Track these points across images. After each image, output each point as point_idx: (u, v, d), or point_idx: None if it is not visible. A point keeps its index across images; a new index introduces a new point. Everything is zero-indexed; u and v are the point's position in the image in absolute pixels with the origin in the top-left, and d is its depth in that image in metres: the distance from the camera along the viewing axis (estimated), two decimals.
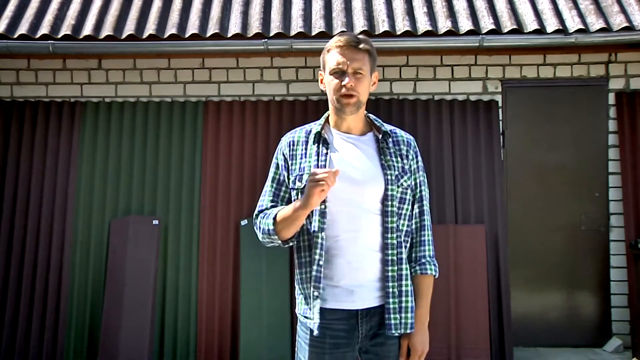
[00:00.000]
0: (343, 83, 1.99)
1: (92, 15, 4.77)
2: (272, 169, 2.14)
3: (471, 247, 4.67)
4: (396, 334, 2.01)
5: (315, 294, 1.98)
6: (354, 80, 1.99)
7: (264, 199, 2.12)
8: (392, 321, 2.00)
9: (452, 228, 4.71)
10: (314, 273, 1.99)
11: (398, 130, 2.16)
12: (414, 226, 2.11)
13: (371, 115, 2.16)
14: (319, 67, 2.13)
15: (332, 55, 2.03)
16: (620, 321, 4.98)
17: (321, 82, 2.12)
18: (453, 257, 4.64)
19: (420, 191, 2.13)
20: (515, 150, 5.10)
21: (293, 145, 2.11)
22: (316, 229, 1.99)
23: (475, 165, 4.89)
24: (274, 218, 2.01)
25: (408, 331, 2.04)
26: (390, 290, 2.01)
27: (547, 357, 4.80)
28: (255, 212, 2.13)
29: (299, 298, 2.09)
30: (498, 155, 4.91)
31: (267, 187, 2.13)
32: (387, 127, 2.13)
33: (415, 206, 2.11)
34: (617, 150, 5.04)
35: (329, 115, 2.14)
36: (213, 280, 4.72)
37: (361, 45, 2.01)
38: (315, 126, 2.13)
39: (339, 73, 2.01)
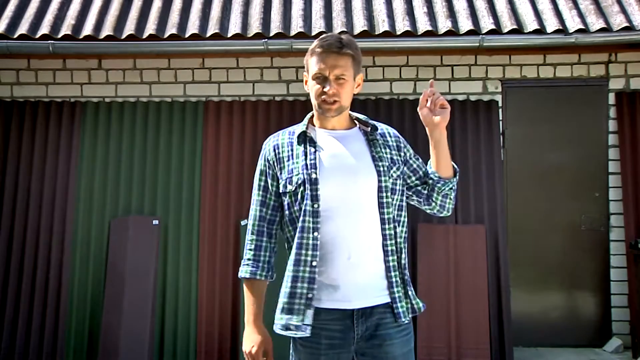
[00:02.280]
0: (325, 90, 1.99)
1: (92, 15, 4.77)
2: (256, 176, 2.11)
3: (471, 247, 4.67)
4: (406, 321, 2.03)
5: (309, 295, 1.96)
6: (336, 87, 1.99)
7: (254, 210, 2.09)
8: (401, 309, 2.01)
9: (452, 228, 4.71)
10: (306, 274, 1.97)
11: (379, 124, 2.17)
12: (422, 173, 2.15)
13: (353, 114, 2.16)
14: None
15: (313, 60, 2.02)
16: (620, 321, 4.98)
17: (306, 84, 2.12)
18: (453, 257, 4.64)
19: (425, 168, 2.16)
20: (515, 150, 5.10)
21: (278, 149, 2.08)
22: (310, 229, 1.97)
23: (475, 165, 4.89)
24: (244, 279, 2.10)
25: (415, 314, 2.07)
26: (394, 279, 2.01)
27: (547, 357, 4.80)
28: (250, 225, 2.10)
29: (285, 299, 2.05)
30: (498, 155, 4.91)
31: (255, 196, 2.10)
32: (372, 121, 2.15)
33: (421, 171, 2.15)
34: (617, 150, 5.04)
35: (312, 114, 2.15)
36: (213, 280, 4.72)
37: (344, 50, 1.99)
38: (298, 127, 2.12)
39: (321, 79, 2.01)
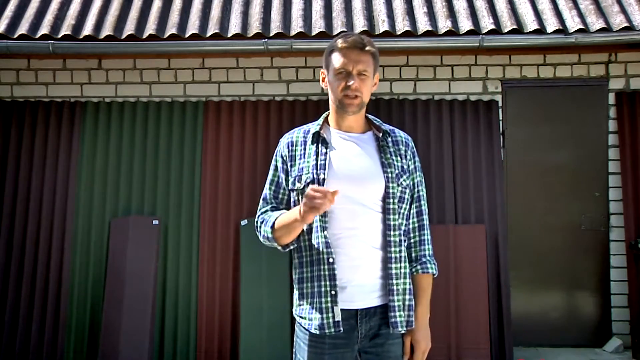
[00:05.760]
0: (348, 84, 2.01)
1: (92, 15, 4.77)
2: (270, 171, 2.16)
3: (471, 247, 4.67)
4: (402, 332, 2.04)
5: (333, 292, 1.98)
6: (358, 82, 2.02)
7: (264, 203, 2.15)
8: (398, 319, 2.02)
9: (452, 228, 4.71)
10: (325, 272, 1.98)
11: (397, 130, 2.18)
12: (411, 226, 2.13)
13: (369, 116, 2.18)
14: (319, 67, 2.15)
15: (337, 56, 2.04)
16: (620, 321, 4.99)
17: (323, 81, 2.14)
18: (453, 257, 4.64)
19: (418, 191, 2.15)
20: (515, 150, 5.10)
21: (292, 146, 2.12)
22: (319, 228, 2.00)
23: (475, 166, 4.89)
24: (273, 226, 2.03)
25: (411, 327, 2.07)
26: (395, 287, 2.02)
27: (547, 357, 4.80)
28: (257, 215, 2.16)
29: (297, 298, 2.09)
30: (498, 155, 4.91)
31: (266, 190, 2.15)
32: (386, 126, 2.16)
33: (414, 206, 2.13)
34: (617, 150, 5.04)
35: (328, 114, 2.16)
36: (213, 280, 4.72)
37: (367, 48, 2.03)
38: (313, 126, 2.14)
39: (344, 74, 2.03)
